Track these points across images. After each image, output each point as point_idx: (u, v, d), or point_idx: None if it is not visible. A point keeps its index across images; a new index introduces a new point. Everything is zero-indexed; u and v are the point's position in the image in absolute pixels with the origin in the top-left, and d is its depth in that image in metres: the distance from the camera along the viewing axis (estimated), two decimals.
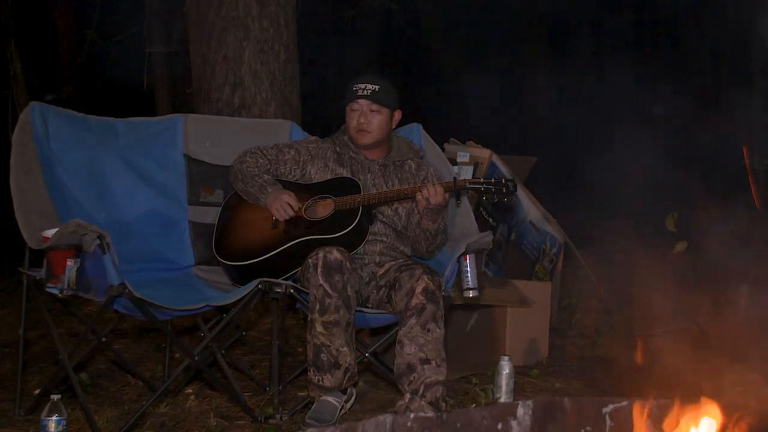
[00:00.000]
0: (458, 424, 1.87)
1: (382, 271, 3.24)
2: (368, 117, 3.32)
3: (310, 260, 3.05)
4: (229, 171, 3.44)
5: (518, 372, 3.48)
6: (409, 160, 3.44)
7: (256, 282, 3.09)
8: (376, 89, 3.31)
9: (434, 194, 3.11)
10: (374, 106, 3.31)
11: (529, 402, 1.95)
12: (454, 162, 4.26)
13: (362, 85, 3.32)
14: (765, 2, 5.66)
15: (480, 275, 3.19)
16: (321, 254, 3.01)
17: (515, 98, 9.75)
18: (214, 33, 4.80)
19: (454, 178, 3.31)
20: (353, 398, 3.16)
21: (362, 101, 3.31)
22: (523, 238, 4.52)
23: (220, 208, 3.49)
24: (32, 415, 3.17)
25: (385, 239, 3.31)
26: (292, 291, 3.11)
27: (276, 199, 3.27)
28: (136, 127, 3.61)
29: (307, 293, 3.06)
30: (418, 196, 3.13)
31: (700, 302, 4.10)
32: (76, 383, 3.00)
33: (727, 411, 2.41)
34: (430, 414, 1.94)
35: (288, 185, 3.36)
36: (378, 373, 3.58)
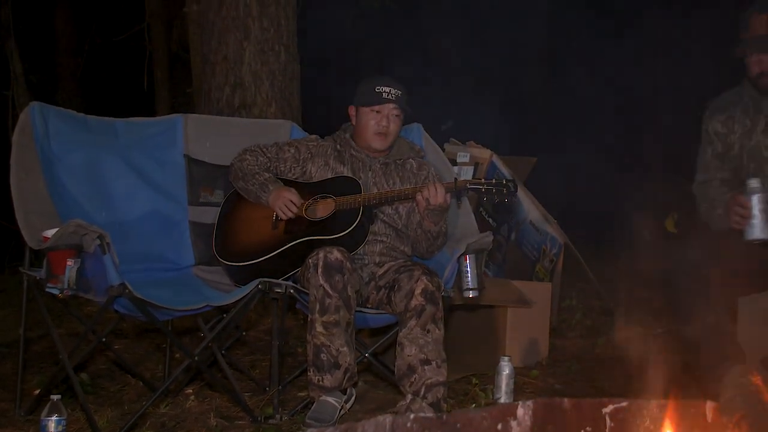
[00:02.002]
0: (458, 425, 1.87)
1: (381, 271, 3.24)
2: (390, 121, 3.31)
3: (310, 260, 3.05)
4: (229, 169, 3.44)
5: (518, 372, 3.48)
6: (411, 160, 3.44)
7: (256, 282, 3.09)
8: (400, 94, 3.29)
9: (434, 195, 3.10)
10: (398, 111, 3.30)
11: (529, 402, 1.95)
12: (454, 162, 4.25)
13: (387, 89, 3.28)
14: None
15: (480, 276, 3.19)
16: (321, 254, 3.00)
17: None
18: (214, 33, 4.81)
19: (455, 178, 3.31)
20: (353, 398, 3.16)
21: (390, 105, 3.29)
22: (524, 239, 4.52)
23: (220, 208, 3.49)
24: (32, 416, 3.17)
25: (385, 239, 3.31)
26: (292, 291, 3.11)
27: (278, 197, 3.26)
28: (136, 127, 3.61)
29: (307, 293, 3.06)
30: (419, 197, 3.13)
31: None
32: (76, 383, 3.00)
33: (727, 412, 2.41)
34: (430, 414, 1.94)
35: (288, 184, 3.36)
36: (378, 374, 3.58)
